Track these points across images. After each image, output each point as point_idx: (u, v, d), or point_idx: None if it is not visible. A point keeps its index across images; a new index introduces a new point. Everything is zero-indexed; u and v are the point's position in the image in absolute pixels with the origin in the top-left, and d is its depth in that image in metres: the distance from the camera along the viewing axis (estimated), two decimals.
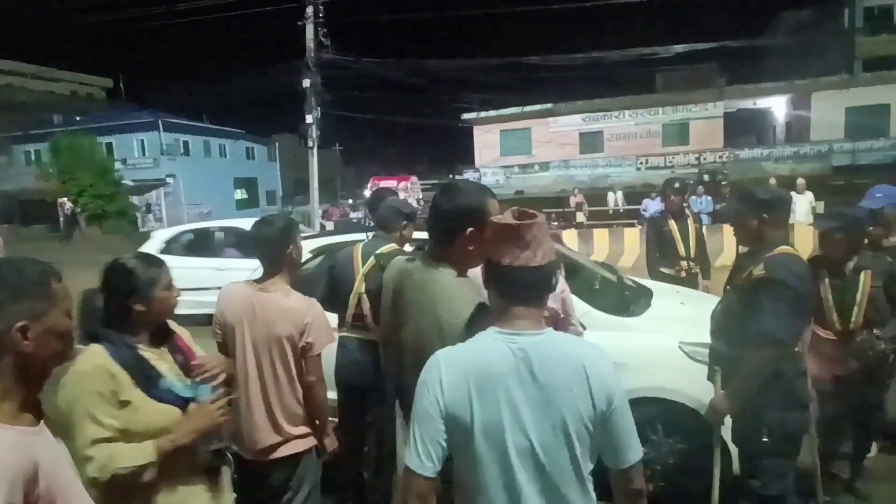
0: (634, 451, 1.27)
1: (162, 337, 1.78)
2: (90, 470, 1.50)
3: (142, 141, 31.23)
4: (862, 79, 22.60)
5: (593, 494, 1.30)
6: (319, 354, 2.21)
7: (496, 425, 1.21)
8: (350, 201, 32.76)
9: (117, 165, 26.89)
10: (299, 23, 16.72)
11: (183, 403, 1.68)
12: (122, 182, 26.09)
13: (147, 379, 1.64)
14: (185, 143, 32.34)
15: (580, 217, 17.42)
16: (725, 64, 25.94)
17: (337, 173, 44.54)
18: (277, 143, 40.66)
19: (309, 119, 16.76)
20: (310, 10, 16.53)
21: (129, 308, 1.68)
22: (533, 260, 1.27)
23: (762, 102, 23.59)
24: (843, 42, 26.37)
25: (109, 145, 29.56)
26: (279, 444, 2.21)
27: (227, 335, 2.24)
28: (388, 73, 20.18)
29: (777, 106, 23.65)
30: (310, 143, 17.26)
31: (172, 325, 1.86)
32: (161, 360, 1.72)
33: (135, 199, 28.07)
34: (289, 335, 2.15)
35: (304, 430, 2.26)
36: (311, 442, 2.28)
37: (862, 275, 2.79)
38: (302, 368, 2.22)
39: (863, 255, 2.84)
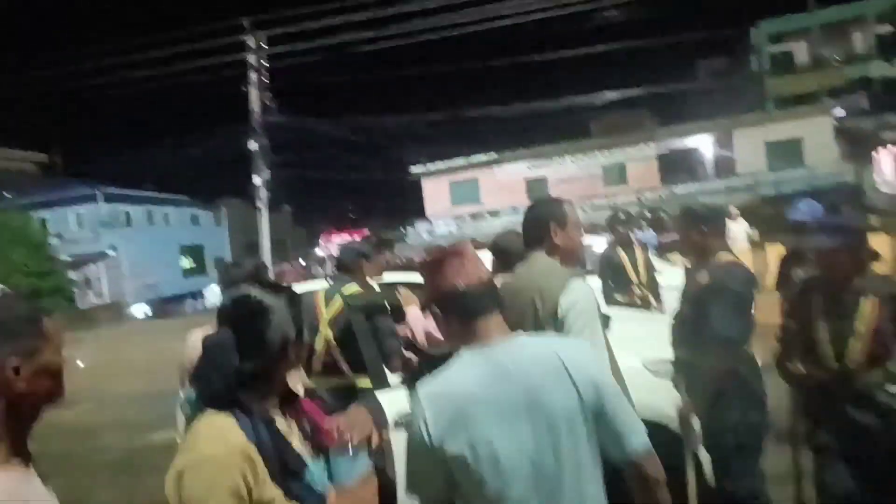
0: (637, 436, 1.24)
1: (286, 398, 1.32)
2: None
3: (79, 214, 30.14)
4: (775, 115, 24.77)
5: (604, 496, 1.27)
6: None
7: (490, 444, 1.17)
8: (301, 261, 32.33)
9: (53, 240, 25.75)
10: (243, 88, 16.94)
11: (321, 501, 1.24)
12: (59, 258, 24.93)
13: (288, 471, 1.19)
14: (127, 214, 31.43)
15: None
16: (654, 108, 27.83)
17: (287, 233, 44.10)
18: (224, 208, 40.07)
19: (257, 181, 16.70)
20: (253, 76, 16.80)
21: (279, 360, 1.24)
22: (480, 275, 1.32)
23: (690, 142, 25.25)
24: (755, 84, 28.88)
25: (44, 221, 28.38)
26: None
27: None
28: (334, 132, 20.58)
29: (704, 144, 25.34)
30: (259, 205, 17.15)
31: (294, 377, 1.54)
32: (291, 434, 1.27)
33: (73, 275, 26.79)
34: None
35: None
36: None
37: (863, 300, 2.10)
38: None
39: (867, 277, 2.17)
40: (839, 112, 23.45)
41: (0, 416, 1.02)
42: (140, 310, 25.48)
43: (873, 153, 22.09)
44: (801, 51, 29.22)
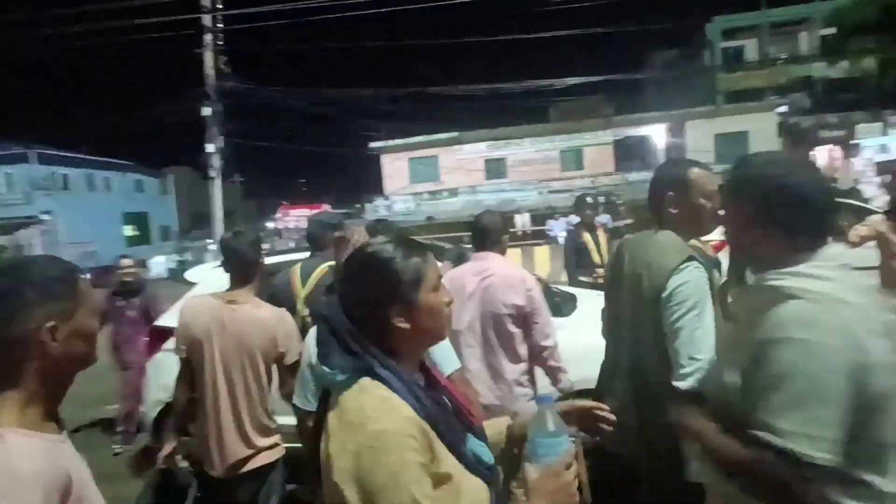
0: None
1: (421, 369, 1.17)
2: None
3: (8, 174, 28.19)
4: (725, 109, 25.78)
5: None
6: (296, 362, 2.18)
7: None
8: None
9: None
10: (197, 50, 16.15)
11: (488, 472, 1.08)
12: None
13: (456, 438, 1.06)
14: (64, 177, 29.63)
15: None
16: (612, 95, 28.38)
17: (238, 205, 42.75)
18: (171, 176, 38.41)
19: (210, 149, 16.06)
20: (208, 37, 16.03)
21: (390, 323, 1.06)
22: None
23: (645, 130, 25.96)
24: (706, 77, 29.86)
25: None
26: (249, 458, 2.16)
27: (194, 349, 2.18)
28: (291, 102, 19.94)
29: (657, 133, 26.12)
30: (211, 174, 16.51)
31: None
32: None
33: (2, 240, 25.15)
34: (261, 346, 2.15)
35: (273, 440, 2.24)
36: (279, 452, 2.26)
37: None
38: (270, 379, 2.22)
39: None
40: (783, 109, 24.64)
41: (35, 379, 1.00)
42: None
43: (811, 150, 23.42)
44: (751, 48, 30.37)
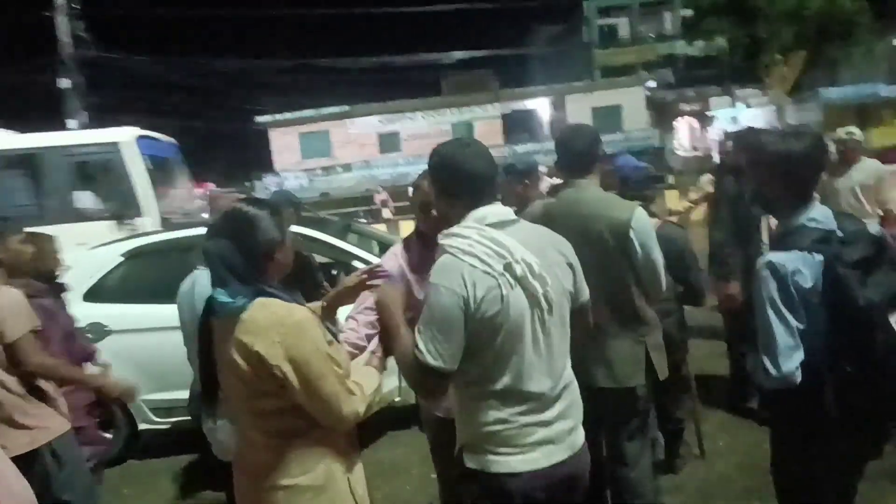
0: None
1: None
2: (357, 404, 1.42)
3: None
4: (600, 84, 27.62)
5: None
6: (24, 337, 2.20)
7: None
8: None
9: None
10: (46, 13, 14.48)
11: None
12: None
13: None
14: None
15: (386, 213, 18.19)
16: (498, 70, 29.23)
17: None
18: None
19: (73, 125, 14.63)
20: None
21: (272, 259, 1.48)
22: None
23: (530, 104, 27.15)
24: (584, 53, 31.69)
25: None
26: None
27: None
28: (165, 73, 18.54)
29: (542, 107, 27.42)
30: None
31: None
32: None
33: None
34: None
35: (23, 431, 2.20)
36: (40, 438, 2.24)
37: None
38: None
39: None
40: (651, 84, 26.87)
41: None
42: None
43: (674, 122, 25.88)
44: (623, 26, 32.57)
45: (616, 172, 3.31)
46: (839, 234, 1.60)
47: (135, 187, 6.79)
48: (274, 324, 1.38)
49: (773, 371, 1.58)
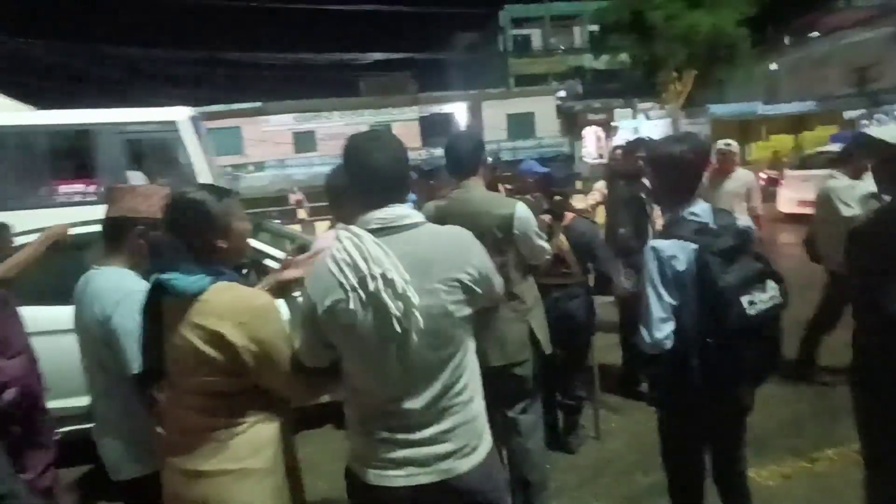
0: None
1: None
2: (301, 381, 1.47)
3: None
4: (514, 91, 28.68)
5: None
6: None
7: None
8: None
9: None
10: None
11: None
12: None
13: None
14: None
15: (301, 214, 17.77)
16: (417, 73, 29.51)
17: None
18: None
19: None
20: None
21: (214, 246, 1.47)
22: None
23: (447, 108, 27.61)
24: (500, 61, 32.72)
25: None
26: None
27: None
28: (59, 59, 17.00)
29: (459, 111, 27.97)
30: None
31: None
32: None
33: None
34: None
35: None
36: None
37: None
38: None
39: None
40: (561, 94, 28.23)
41: None
42: None
43: (581, 130, 27.35)
44: (536, 37, 33.98)
45: (526, 176, 3.60)
46: (713, 226, 1.86)
47: (193, 165, 6.58)
48: (239, 306, 1.41)
49: (647, 338, 1.82)
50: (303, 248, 2.65)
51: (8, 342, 2.56)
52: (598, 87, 29.39)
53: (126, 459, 1.85)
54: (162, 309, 1.47)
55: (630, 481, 2.99)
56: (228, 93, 23.52)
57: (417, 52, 22.98)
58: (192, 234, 1.45)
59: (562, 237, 3.05)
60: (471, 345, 1.48)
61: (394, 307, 1.31)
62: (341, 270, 1.34)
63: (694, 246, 1.80)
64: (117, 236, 1.86)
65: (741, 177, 4.70)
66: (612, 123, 25.95)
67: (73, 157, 6.75)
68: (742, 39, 22.17)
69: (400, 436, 1.39)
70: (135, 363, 1.71)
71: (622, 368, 4.17)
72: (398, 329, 1.31)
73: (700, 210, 1.90)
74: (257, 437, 1.46)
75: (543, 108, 27.43)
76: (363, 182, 1.42)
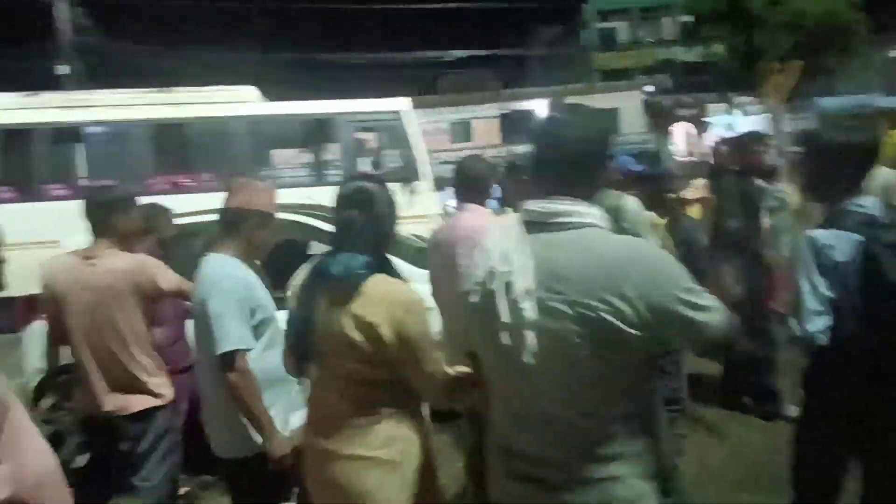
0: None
1: None
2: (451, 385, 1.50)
3: None
4: (599, 87, 27.76)
5: None
6: (175, 288, 2.34)
7: None
8: None
9: None
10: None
11: None
12: None
13: None
14: None
15: None
16: (498, 70, 29.32)
17: None
18: None
19: None
20: None
21: (389, 235, 1.62)
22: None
23: (528, 105, 27.22)
24: (584, 56, 31.80)
25: None
26: (133, 401, 2.27)
27: (58, 307, 2.25)
28: (162, 62, 18.43)
29: (540, 108, 27.50)
30: None
31: None
32: None
33: None
34: (129, 293, 2.23)
35: (155, 383, 2.33)
36: (164, 398, 2.36)
37: None
38: (154, 321, 2.37)
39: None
40: (648, 88, 26.99)
41: None
42: None
43: (670, 126, 26.01)
44: (622, 30, 32.72)
45: (623, 173, 3.43)
46: (882, 219, 1.73)
47: (415, 152, 7.22)
48: (394, 300, 1.47)
49: (798, 331, 1.69)
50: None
51: (184, 354, 2.74)
52: (689, 80, 27.85)
53: (228, 440, 1.93)
54: (320, 291, 1.54)
55: (735, 501, 2.76)
56: (318, 92, 24.36)
57: (498, 49, 22.75)
58: (375, 222, 1.54)
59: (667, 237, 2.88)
60: (641, 400, 1.14)
61: (505, 314, 1.12)
62: (478, 260, 1.23)
63: (858, 237, 1.67)
64: (232, 226, 1.96)
65: (883, 174, 4.25)
66: (704, 119, 24.51)
67: (311, 142, 7.54)
68: (858, 24, 20.17)
69: (519, 466, 1.19)
70: (222, 343, 1.80)
71: (721, 378, 3.89)
72: (507, 342, 1.12)
73: (867, 202, 1.78)
74: (392, 429, 1.50)
75: (629, 104, 26.37)
76: (533, 162, 1.26)
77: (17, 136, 6.41)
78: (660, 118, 26.00)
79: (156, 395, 2.33)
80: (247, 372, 1.79)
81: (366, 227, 1.53)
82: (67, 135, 6.79)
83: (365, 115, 7.48)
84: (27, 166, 6.33)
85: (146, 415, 2.29)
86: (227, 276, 1.86)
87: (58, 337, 2.35)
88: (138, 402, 2.28)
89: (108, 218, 2.28)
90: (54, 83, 14.48)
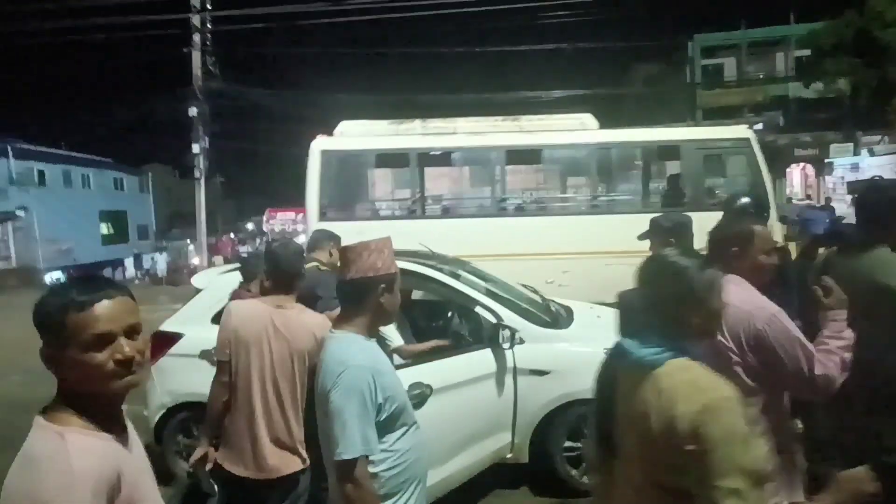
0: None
1: None
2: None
3: None
4: (704, 125, 26.40)
5: None
6: None
7: None
8: (232, 235, 31.16)
9: None
10: (185, 49, 16.05)
11: None
12: None
13: None
14: (41, 173, 28.93)
15: None
16: (597, 109, 28.87)
17: (218, 205, 42.19)
18: (150, 174, 37.73)
19: (196, 149, 15.95)
20: (197, 37, 15.95)
21: (685, 320, 1.33)
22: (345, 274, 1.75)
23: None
24: (687, 93, 30.57)
25: None
26: (287, 462, 2.22)
27: (240, 353, 2.22)
28: (276, 104, 19.88)
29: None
30: (196, 174, 16.42)
31: None
32: None
33: None
34: (310, 350, 2.18)
35: (302, 444, 2.28)
36: (307, 461, 2.30)
37: None
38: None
39: None
40: (759, 126, 25.36)
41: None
42: (54, 277, 23.74)
43: (785, 167, 24.15)
44: (729, 66, 31.20)
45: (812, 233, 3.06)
46: None
47: (762, 181, 7.30)
48: (693, 393, 1.22)
49: None
50: None
51: None
52: (804, 117, 25.86)
53: None
54: (618, 374, 1.38)
55: None
56: None
57: (598, 88, 22.37)
58: (667, 303, 1.32)
59: None
60: None
61: None
62: None
63: None
64: (359, 298, 1.73)
65: None
66: (826, 160, 22.54)
67: (658, 168, 7.92)
68: None
69: None
70: (341, 448, 1.58)
71: None
72: None
73: None
74: None
75: None
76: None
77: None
78: (772, 158, 24.32)
79: (303, 459, 2.26)
80: (366, 484, 1.59)
81: (665, 308, 1.33)
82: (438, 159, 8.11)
83: (714, 141, 7.39)
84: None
85: (294, 477, 2.23)
86: (350, 363, 1.63)
87: (226, 380, 2.26)
88: (293, 464, 2.22)
89: (299, 272, 2.34)
90: (181, 123, 16.00)
